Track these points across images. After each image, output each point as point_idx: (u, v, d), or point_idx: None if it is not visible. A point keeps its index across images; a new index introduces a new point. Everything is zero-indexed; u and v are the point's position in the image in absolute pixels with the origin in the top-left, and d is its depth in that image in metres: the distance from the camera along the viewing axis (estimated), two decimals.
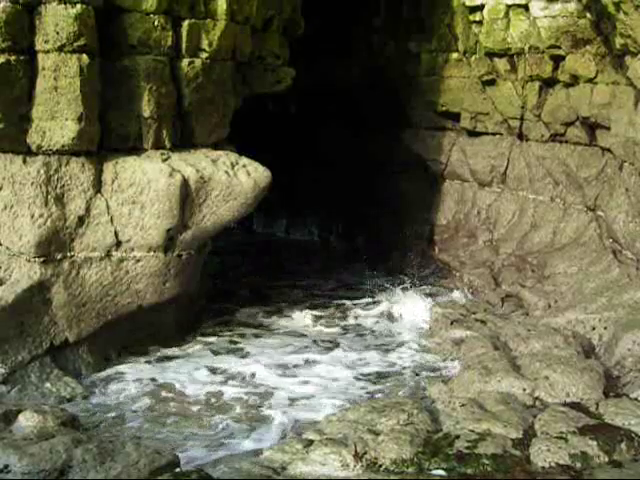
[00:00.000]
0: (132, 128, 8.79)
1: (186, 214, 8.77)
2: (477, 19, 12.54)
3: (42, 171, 8.15)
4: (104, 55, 8.47)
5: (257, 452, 6.60)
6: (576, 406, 6.98)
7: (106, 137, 8.64)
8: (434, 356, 9.40)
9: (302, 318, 10.87)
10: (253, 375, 8.71)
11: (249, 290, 12.27)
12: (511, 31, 12.06)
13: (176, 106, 9.11)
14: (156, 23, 8.78)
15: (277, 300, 11.76)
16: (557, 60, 11.66)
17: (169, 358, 9.15)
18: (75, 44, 8.07)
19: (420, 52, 13.74)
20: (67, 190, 8.31)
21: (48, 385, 7.98)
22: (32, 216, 8.13)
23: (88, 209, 8.44)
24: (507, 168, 12.98)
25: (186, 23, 9.06)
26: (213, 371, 8.82)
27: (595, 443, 6.09)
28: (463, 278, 12.12)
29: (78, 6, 8.04)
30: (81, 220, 8.42)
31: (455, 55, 13.32)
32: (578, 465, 5.87)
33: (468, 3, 12.57)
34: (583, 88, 11.35)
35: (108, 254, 8.58)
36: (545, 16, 11.37)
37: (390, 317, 10.99)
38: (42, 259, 8.19)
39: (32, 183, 8.12)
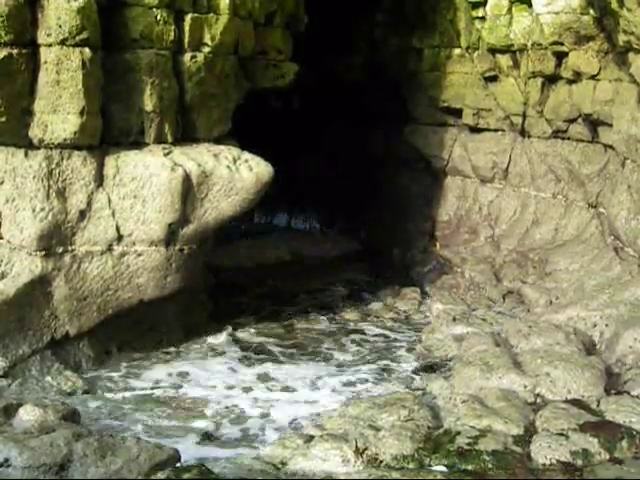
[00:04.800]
0: (134, 122, 8.77)
1: (188, 208, 8.76)
2: (480, 15, 12.50)
3: (44, 165, 8.14)
4: (106, 49, 8.45)
5: (258, 447, 6.61)
6: (577, 403, 6.96)
7: (108, 131, 8.61)
8: None
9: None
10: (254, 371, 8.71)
11: (251, 285, 12.25)
12: (514, 27, 12.02)
13: (178, 100, 9.09)
14: (158, 17, 8.75)
15: (279, 296, 11.74)
16: (560, 56, 11.62)
17: (170, 353, 9.14)
18: (77, 38, 8.04)
19: (422, 48, 13.72)
20: (69, 184, 8.30)
21: (49, 379, 7.98)
22: (33, 210, 8.11)
23: (89, 203, 8.43)
24: (509, 164, 12.96)
25: (188, 17, 9.03)
26: (215, 367, 8.80)
27: (596, 440, 6.07)
28: (464, 274, 12.11)
29: None
30: (82, 214, 8.40)
31: (457, 51, 13.29)
32: (579, 462, 5.86)
33: None
34: (586, 85, 11.31)
35: (109, 248, 8.57)
36: (548, 12, 11.32)
37: None
38: (43, 253, 8.18)
39: (34, 177, 8.11)
